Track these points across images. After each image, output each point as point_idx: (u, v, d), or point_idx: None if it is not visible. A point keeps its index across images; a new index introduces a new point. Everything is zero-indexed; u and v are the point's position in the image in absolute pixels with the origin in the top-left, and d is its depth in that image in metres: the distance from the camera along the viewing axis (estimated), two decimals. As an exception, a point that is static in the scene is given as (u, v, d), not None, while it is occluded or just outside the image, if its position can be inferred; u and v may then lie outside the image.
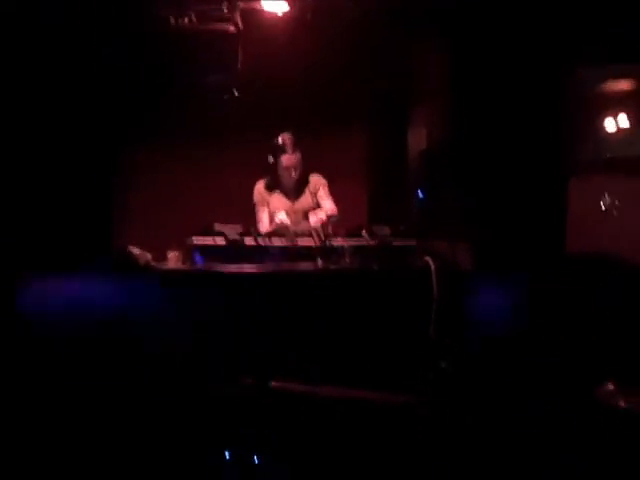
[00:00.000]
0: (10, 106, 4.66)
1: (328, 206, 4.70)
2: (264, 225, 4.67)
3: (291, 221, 4.55)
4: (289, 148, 4.58)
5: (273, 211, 4.68)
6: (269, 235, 4.11)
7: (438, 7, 5.14)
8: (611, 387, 3.15)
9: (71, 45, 4.89)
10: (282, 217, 4.55)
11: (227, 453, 3.17)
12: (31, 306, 3.60)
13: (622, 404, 3.04)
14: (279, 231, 4.35)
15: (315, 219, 4.55)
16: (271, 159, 4.60)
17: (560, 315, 3.88)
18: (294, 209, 4.69)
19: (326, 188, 4.75)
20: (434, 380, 3.56)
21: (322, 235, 4.01)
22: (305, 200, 4.73)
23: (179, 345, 3.64)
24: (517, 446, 3.12)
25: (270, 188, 4.73)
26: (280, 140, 4.59)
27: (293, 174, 4.65)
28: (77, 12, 4.71)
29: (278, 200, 4.74)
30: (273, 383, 3.48)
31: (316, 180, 4.75)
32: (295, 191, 4.74)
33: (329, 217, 4.59)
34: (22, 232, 4.38)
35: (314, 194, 4.74)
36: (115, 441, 3.32)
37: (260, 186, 4.76)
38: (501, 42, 5.19)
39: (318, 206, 4.73)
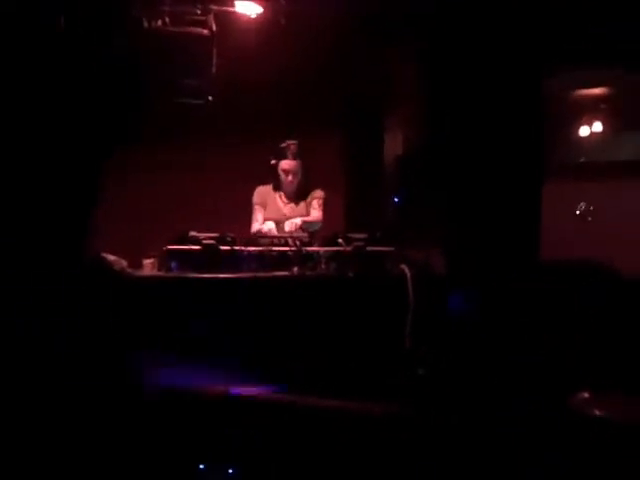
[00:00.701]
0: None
1: (314, 214, 4.82)
2: (258, 224, 4.80)
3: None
4: (290, 154, 4.74)
5: (268, 214, 4.81)
6: (246, 241, 4.09)
7: (414, 11, 5.14)
8: (586, 395, 3.16)
9: (43, 47, 4.82)
10: (270, 227, 4.66)
11: (202, 465, 3.13)
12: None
13: (596, 412, 3.05)
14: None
15: (290, 225, 4.62)
16: (273, 161, 4.79)
17: (533, 317, 3.91)
18: (289, 216, 4.78)
19: (320, 201, 4.88)
20: (412, 387, 3.56)
21: (298, 242, 4.00)
22: (301, 209, 4.85)
23: (153, 352, 3.60)
24: (498, 448, 3.13)
25: (274, 190, 4.87)
26: (285, 145, 4.77)
27: (290, 177, 4.78)
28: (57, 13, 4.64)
29: (275, 204, 4.86)
30: (244, 392, 3.45)
31: (315, 193, 4.89)
32: (295, 200, 4.87)
33: (304, 222, 4.66)
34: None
35: (309, 204, 4.87)
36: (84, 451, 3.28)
37: (261, 188, 4.90)
38: (477, 45, 5.22)
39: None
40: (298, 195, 4.87)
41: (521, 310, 3.95)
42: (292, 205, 4.86)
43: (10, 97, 4.21)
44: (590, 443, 2.99)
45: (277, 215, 4.80)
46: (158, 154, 5.93)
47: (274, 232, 4.58)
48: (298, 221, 4.66)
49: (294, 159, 4.75)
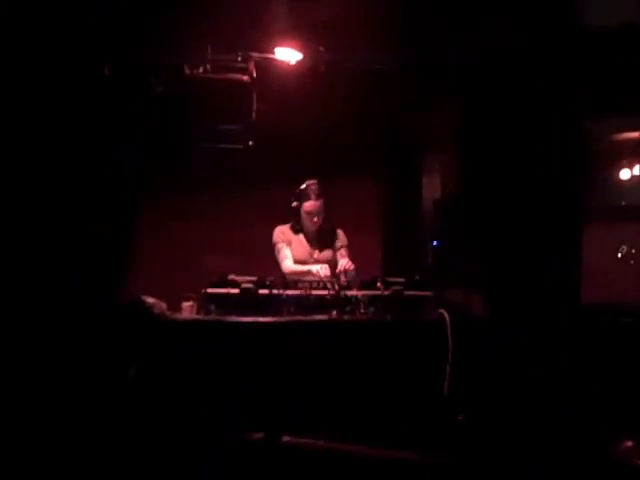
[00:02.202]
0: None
1: (344, 263, 4.69)
2: (290, 261, 4.73)
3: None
4: (313, 194, 4.70)
5: (296, 256, 4.76)
6: (284, 285, 4.09)
7: (453, 60, 5.17)
8: (629, 444, 3.10)
9: (89, 93, 4.94)
10: (325, 271, 4.51)
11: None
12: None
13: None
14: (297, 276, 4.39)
15: (343, 264, 4.56)
16: (295, 204, 4.76)
17: (576, 367, 3.84)
18: (316, 258, 4.76)
19: (347, 249, 4.84)
20: (452, 434, 3.52)
21: (337, 285, 4.00)
22: (329, 254, 4.82)
23: (191, 396, 3.61)
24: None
25: (294, 231, 4.83)
26: (305, 186, 4.72)
27: (315, 219, 4.74)
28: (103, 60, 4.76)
29: (300, 243, 4.82)
30: (284, 438, 3.44)
31: (342, 237, 4.87)
32: (317, 240, 4.84)
33: (346, 270, 4.56)
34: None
35: (337, 250, 4.84)
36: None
37: (281, 227, 4.84)
38: (518, 87, 5.20)
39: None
40: (320, 236, 4.83)
41: (563, 354, 3.89)
42: (318, 248, 4.83)
43: (53, 142, 4.30)
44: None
45: (305, 257, 4.76)
46: (197, 198, 6.00)
47: (328, 274, 4.48)
48: (349, 264, 4.57)
49: (317, 199, 4.71)
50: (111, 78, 4.81)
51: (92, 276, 4.21)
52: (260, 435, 3.43)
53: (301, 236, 4.84)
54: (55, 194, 4.23)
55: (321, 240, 4.85)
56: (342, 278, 4.41)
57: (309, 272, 4.55)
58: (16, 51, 4.15)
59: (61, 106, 4.42)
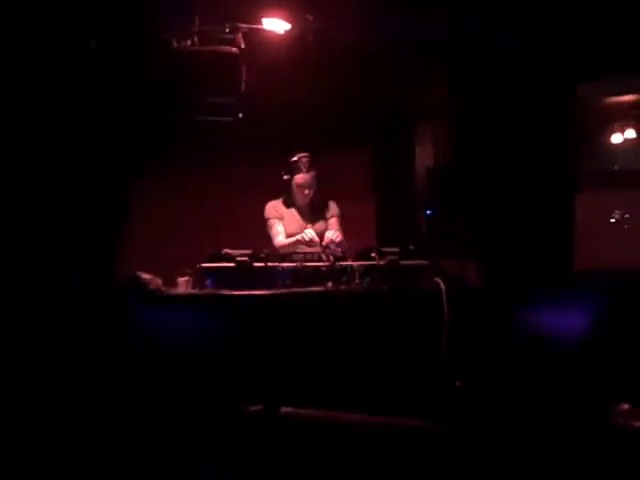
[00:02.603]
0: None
1: (337, 235, 4.68)
2: (282, 236, 4.73)
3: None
4: (304, 167, 4.68)
5: (289, 230, 4.74)
6: (279, 257, 4.08)
7: (445, 29, 5.14)
8: (626, 407, 3.13)
9: (75, 67, 4.89)
10: (312, 234, 4.57)
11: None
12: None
13: (637, 424, 3.02)
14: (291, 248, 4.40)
15: (331, 235, 4.56)
16: (286, 177, 4.74)
17: (569, 328, 3.87)
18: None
19: (338, 220, 4.83)
20: (449, 401, 3.54)
21: (331, 257, 4.00)
22: (321, 226, 4.79)
23: (190, 369, 3.62)
24: (535, 462, 3.10)
25: (286, 205, 4.82)
26: (296, 158, 4.70)
27: (306, 192, 4.73)
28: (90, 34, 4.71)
29: (292, 217, 4.81)
30: (283, 409, 3.45)
31: (333, 208, 4.85)
32: (310, 213, 4.83)
33: (332, 242, 4.55)
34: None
35: (327, 220, 4.82)
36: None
37: (273, 202, 4.83)
38: (509, 52, 5.18)
39: None
40: (312, 209, 4.82)
41: (556, 320, 3.91)
42: (311, 221, 4.81)
43: (41, 115, 4.27)
44: (631, 455, 2.97)
45: (298, 230, 4.72)
46: (188, 173, 5.97)
47: (316, 239, 4.53)
48: (338, 235, 4.57)
49: (308, 172, 4.70)
50: (97, 54, 4.77)
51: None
52: (259, 407, 3.44)
53: (293, 210, 4.83)
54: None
55: (313, 213, 4.83)
56: (333, 248, 4.39)
57: (297, 241, 4.57)
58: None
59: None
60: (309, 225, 4.78)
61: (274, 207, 4.82)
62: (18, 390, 3.45)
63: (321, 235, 4.63)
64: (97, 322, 3.62)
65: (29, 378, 3.49)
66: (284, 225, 4.79)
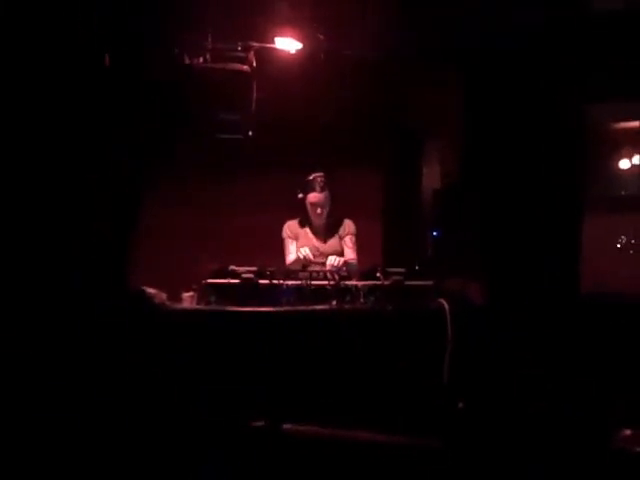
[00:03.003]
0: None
1: (349, 253, 4.79)
2: (293, 255, 4.78)
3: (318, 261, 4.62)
4: (318, 186, 4.73)
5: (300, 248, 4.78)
6: (284, 275, 4.09)
7: (451, 46, 5.17)
8: (628, 433, 3.13)
9: (89, 83, 4.93)
10: (306, 252, 4.63)
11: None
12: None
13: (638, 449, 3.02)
14: (297, 267, 4.43)
15: (333, 260, 4.57)
16: (300, 195, 4.79)
17: (576, 354, 3.86)
18: (321, 250, 4.77)
19: (354, 238, 4.86)
20: (452, 421, 3.54)
21: (336, 275, 4.02)
22: (334, 243, 4.84)
23: (193, 385, 3.62)
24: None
25: (302, 225, 4.87)
26: (311, 178, 4.76)
27: (319, 210, 4.77)
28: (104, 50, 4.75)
29: (305, 236, 4.86)
30: (285, 426, 3.45)
31: (348, 226, 4.88)
32: (324, 232, 4.87)
33: (346, 262, 4.61)
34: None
35: (342, 238, 4.86)
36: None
37: (290, 222, 4.89)
38: (517, 76, 5.20)
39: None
40: (327, 228, 4.86)
41: (561, 344, 3.91)
42: (324, 240, 4.85)
43: (53, 142, 4.30)
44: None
45: (311, 249, 4.73)
46: (197, 188, 5.99)
47: (310, 257, 4.59)
48: (340, 260, 4.58)
49: (322, 191, 4.73)
50: (111, 70, 4.81)
51: (92, 276, 4.22)
52: (261, 423, 3.44)
53: (307, 229, 4.88)
54: (55, 194, 4.24)
55: (327, 232, 4.88)
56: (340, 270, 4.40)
57: (298, 259, 4.63)
58: (15, 50, 4.14)
59: (61, 105, 4.42)
60: (321, 244, 4.82)
61: (289, 227, 4.89)
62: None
63: (333, 253, 4.68)
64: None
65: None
66: (298, 244, 4.82)
